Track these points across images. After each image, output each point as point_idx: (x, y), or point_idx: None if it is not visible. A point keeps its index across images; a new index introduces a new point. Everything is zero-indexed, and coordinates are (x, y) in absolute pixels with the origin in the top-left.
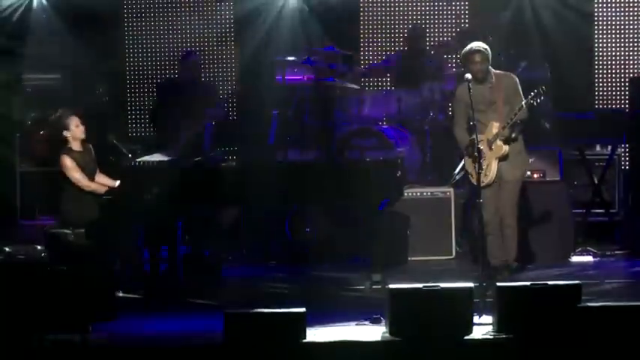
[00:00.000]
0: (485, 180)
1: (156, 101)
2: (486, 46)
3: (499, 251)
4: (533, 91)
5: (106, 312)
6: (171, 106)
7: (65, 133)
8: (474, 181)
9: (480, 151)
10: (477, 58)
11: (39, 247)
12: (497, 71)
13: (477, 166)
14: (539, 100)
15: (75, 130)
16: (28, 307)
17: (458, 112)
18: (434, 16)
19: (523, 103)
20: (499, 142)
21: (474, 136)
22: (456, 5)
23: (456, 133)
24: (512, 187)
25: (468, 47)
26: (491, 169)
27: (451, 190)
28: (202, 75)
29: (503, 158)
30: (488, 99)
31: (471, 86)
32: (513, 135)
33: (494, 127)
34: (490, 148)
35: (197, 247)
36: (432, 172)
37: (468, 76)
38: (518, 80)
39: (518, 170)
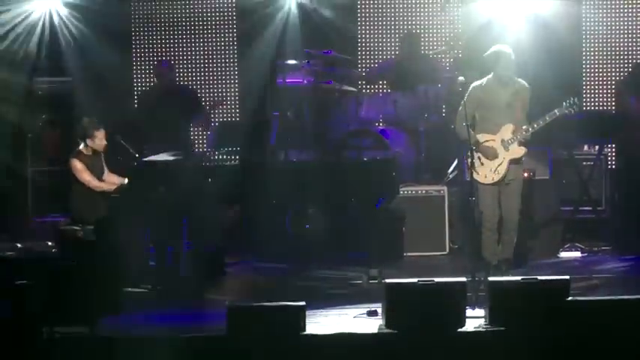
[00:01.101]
0: (496, 178)
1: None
2: (511, 50)
3: (496, 248)
4: (569, 101)
5: (114, 306)
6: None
7: (88, 142)
8: (478, 177)
9: (494, 149)
10: (504, 61)
11: (49, 244)
12: (518, 79)
13: (484, 162)
14: (572, 111)
15: (99, 143)
16: (39, 300)
17: (468, 110)
18: (429, 22)
19: (557, 110)
20: (516, 144)
21: (481, 136)
22: (449, 11)
23: (460, 130)
24: (517, 187)
25: (496, 49)
26: (503, 168)
27: (445, 188)
28: (200, 81)
29: (515, 160)
30: (506, 101)
31: (490, 82)
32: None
33: (510, 130)
34: (506, 149)
35: (201, 244)
36: (426, 171)
37: (462, 78)
38: (530, 91)
39: (521, 171)
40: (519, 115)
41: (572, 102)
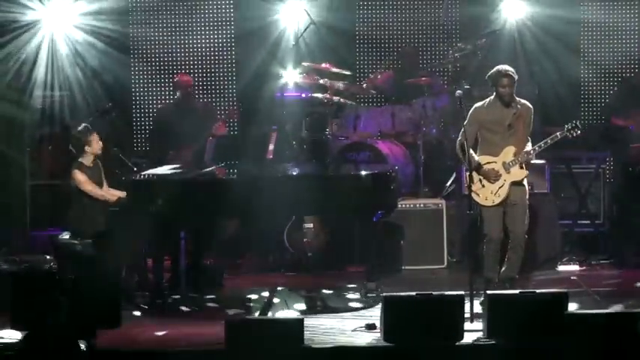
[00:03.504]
0: (497, 201)
1: (156, 123)
2: (514, 70)
3: (497, 267)
4: (572, 124)
5: (112, 319)
6: (172, 127)
7: (86, 149)
8: (479, 200)
9: (496, 172)
10: (506, 81)
11: (48, 257)
12: (520, 99)
13: (485, 185)
14: (575, 134)
15: (95, 147)
16: (37, 313)
17: (470, 130)
18: (426, 36)
19: (558, 133)
20: (517, 167)
21: (483, 158)
22: (447, 26)
23: (461, 147)
24: (523, 209)
25: (498, 70)
26: (504, 191)
27: (443, 202)
28: (200, 95)
29: (517, 182)
30: (508, 123)
31: (491, 103)
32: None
33: (512, 152)
34: (507, 172)
35: (199, 258)
36: (424, 184)
37: (459, 92)
38: (532, 111)
39: (525, 192)
40: (521, 136)
41: (574, 125)
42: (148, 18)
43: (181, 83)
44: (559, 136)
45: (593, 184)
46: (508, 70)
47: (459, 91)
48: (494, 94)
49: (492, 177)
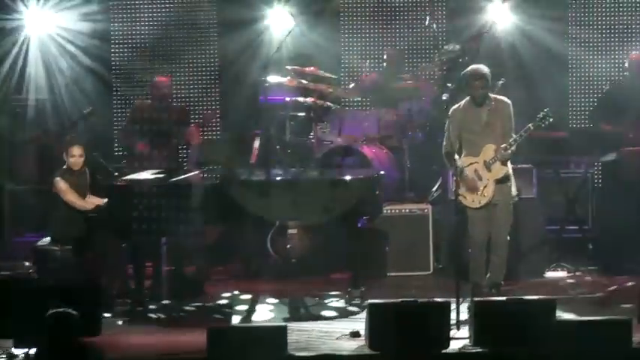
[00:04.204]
0: (483, 202)
1: (128, 121)
2: (487, 70)
3: (483, 270)
4: (542, 113)
5: (92, 327)
6: (143, 123)
7: (64, 157)
8: (466, 202)
9: (478, 172)
10: (478, 83)
11: (27, 264)
12: (495, 95)
13: (469, 187)
14: (546, 123)
15: (77, 160)
16: (16, 320)
17: (452, 134)
18: (412, 39)
19: (531, 125)
20: (498, 164)
21: (466, 159)
22: (433, 28)
23: (447, 154)
24: (505, 207)
25: (470, 70)
26: (489, 190)
27: (429, 207)
28: (182, 100)
29: (500, 180)
30: (484, 121)
31: (465, 105)
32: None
33: (491, 150)
34: (489, 170)
35: (181, 264)
36: (410, 189)
37: (446, 96)
38: (511, 105)
39: (509, 191)
40: (500, 133)
41: (544, 114)
42: (129, 25)
43: (157, 83)
44: (532, 128)
45: (581, 188)
46: (480, 72)
47: (445, 95)
48: (468, 94)
49: (470, 187)
